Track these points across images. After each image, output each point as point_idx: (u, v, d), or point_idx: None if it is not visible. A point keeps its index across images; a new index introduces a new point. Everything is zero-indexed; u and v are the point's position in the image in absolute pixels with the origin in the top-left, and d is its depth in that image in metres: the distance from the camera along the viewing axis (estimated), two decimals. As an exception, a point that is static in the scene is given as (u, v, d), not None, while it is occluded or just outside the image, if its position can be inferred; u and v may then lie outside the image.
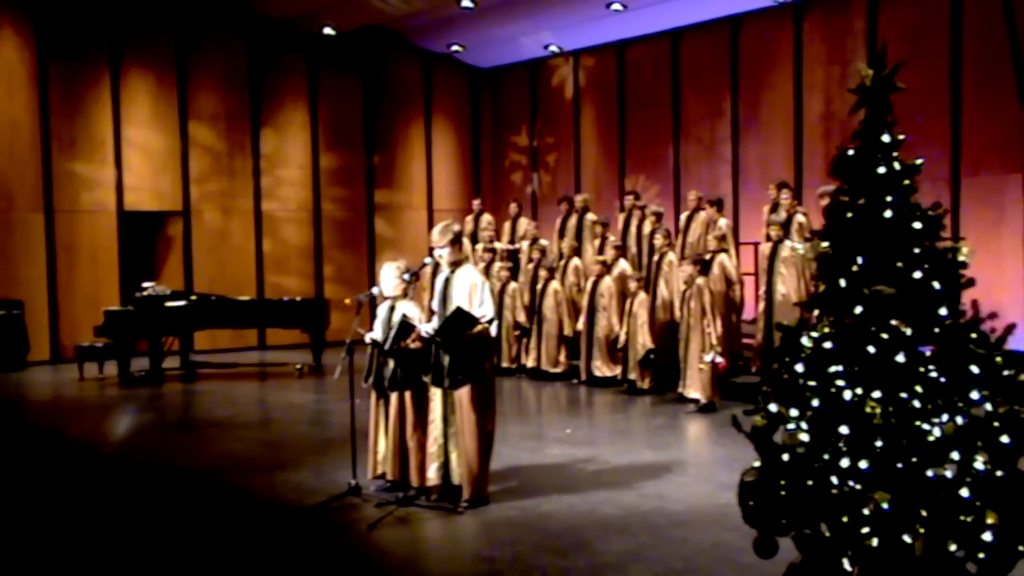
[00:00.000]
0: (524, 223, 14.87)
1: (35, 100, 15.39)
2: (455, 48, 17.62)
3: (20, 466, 8.65)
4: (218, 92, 16.79)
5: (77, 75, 15.70)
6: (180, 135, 16.47)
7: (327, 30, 16.82)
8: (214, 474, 8.18)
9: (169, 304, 13.47)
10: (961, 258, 4.52)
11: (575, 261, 13.32)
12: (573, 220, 14.12)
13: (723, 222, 12.27)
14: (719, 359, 10.54)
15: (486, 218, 15.15)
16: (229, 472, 8.22)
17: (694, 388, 10.73)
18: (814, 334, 4.58)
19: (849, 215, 4.55)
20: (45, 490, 7.79)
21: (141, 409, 11.69)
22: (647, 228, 12.96)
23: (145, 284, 13.87)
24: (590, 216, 14.02)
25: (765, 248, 11.40)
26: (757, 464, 4.53)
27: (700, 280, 10.75)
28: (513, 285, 13.40)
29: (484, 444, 7.02)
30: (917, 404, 4.27)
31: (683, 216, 13.18)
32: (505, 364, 13.42)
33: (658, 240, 12.14)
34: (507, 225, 15.10)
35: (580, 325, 12.52)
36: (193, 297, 14.04)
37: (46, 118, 15.45)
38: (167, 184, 16.45)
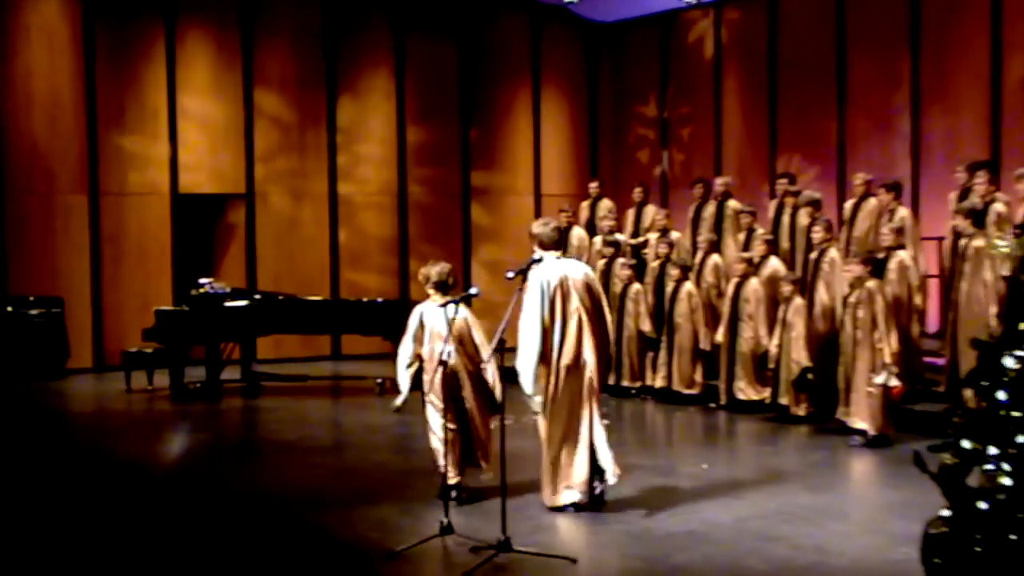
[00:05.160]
0: (651, 211, 14.79)
1: (79, 65, 15.93)
2: None
3: (62, 490, 8.95)
4: (288, 55, 17.14)
5: (127, 36, 16.20)
6: (244, 105, 16.86)
7: (417, -21, 17.05)
8: (281, 506, 8.35)
9: (229, 304, 13.76)
10: None
11: (714, 258, 13.20)
12: (711, 208, 13.99)
13: (902, 211, 12.03)
14: (893, 381, 10.34)
15: (605, 205, 15.10)
16: (298, 504, 8.37)
17: (860, 417, 10.54)
18: (1020, 353, 4.47)
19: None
20: (90, 518, 8.04)
21: (196, 427, 12.00)
22: (803, 219, 12.78)
23: (202, 280, 14.15)
24: (732, 204, 13.89)
25: (952, 244, 11.16)
26: (945, 513, 4.46)
27: (871, 283, 10.57)
28: (636, 287, 13.34)
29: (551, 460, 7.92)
30: None
31: (848, 204, 12.96)
32: (627, 383, 13.39)
33: (817, 233, 11.95)
34: (630, 213, 15.05)
35: (720, 336, 12.40)
36: (257, 296, 14.33)
37: (91, 86, 15.98)
38: (228, 162, 16.85)
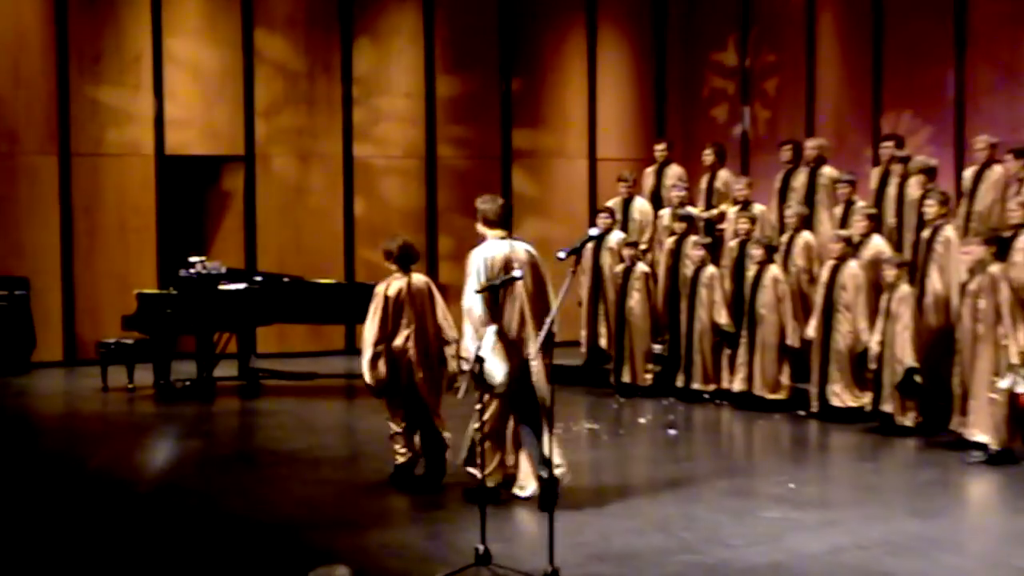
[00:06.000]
0: (727, 178, 14.75)
1: (48, 1, 16.02)
2: (633, -76, 17.61)
3: (24, 508, 9.00)
4: (296, -11, 17.22)
5: (105, -34, 16.33)
6: (242, 50, 16.93)
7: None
8: (285, 528, 8.38)
9: (224, 287, 13.86)
10: None
11: (804, 236, 13.15)
12: (802, 176, 13.93)
13: (1034, 181, 11.96)
14: (1021, 386, 10.26)
15: (674, 171, 15.04)
16: (306, 526, 8.41)
17: (980, 428, 10.47)
18: None
19: None
20: (57, 542, 8.08)
21: (185, 433, 12.08)
22: (913, 190, 12.71)
23: (192, 258, 14.26)
24: (827, 171, 13.81)
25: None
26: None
27: (994, 267, 10.49)
28: (711, 270, 13.32)
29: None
30: None
31: (968, 173, 12.88)
32: (698, 385, 13.37)
33: (930, 208, 11.89)
34: (703, 181, 15.01)
35: (812, 331, 12.37)
36: (257, 278, 14.40)
37: (63, 26, 16.08)
38: (223, 118, 16.94)
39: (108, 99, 16.34)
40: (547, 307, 8.57)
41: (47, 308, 15.96)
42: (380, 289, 9.34)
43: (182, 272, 14.01)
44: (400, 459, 9.39)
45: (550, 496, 8.00)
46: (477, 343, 8.20)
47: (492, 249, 8.66)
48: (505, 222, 8.86)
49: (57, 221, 16.12)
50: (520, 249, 8.76)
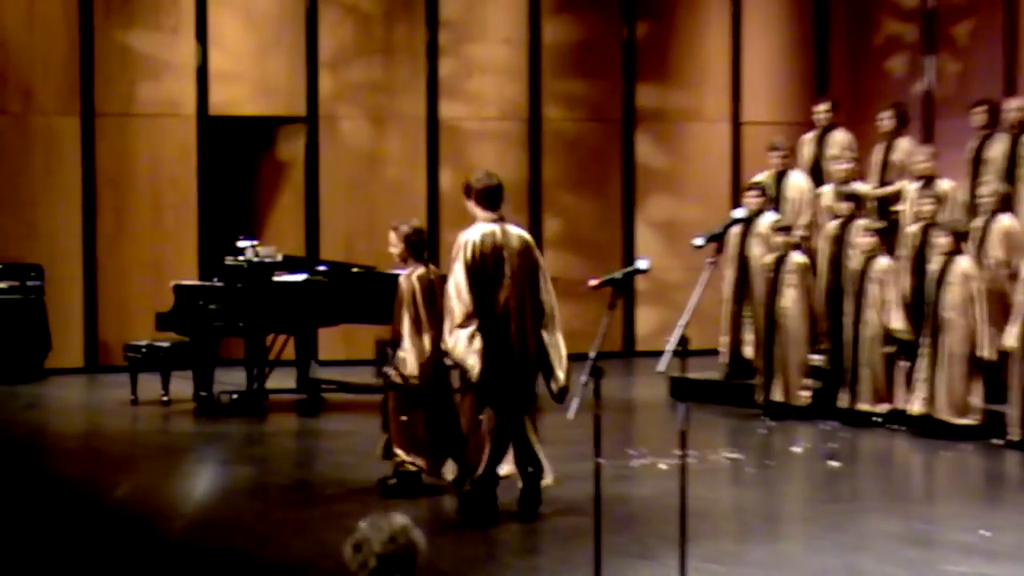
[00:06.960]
0: (907, 148, 14.60)
1: (69, -73, 16.29)
2: None
3: (37, 546, 9.10)
4: (370, -88, 17.31)
5: None
6: (305, -14, 17.08)
7: None
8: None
9: (280, 279, 13.96)
10: None
11: (1003, 221, 12.99)
12: (1001, 145, 13.76)
13: None
14: None
15: (839, 139, 14.92)
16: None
17: None
18: None
19: None
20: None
21: (231, 458, 12.17)
22: None
23: (242, 243, 14.32)
24: (1033, 139, 13.66)
25: None
26: None
27: None
28: (884, 262, 13.21)
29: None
30: None
31: None
32: (866, 406, 13.24)
33: None
34: (877, 151, 14.87)
35: (1012, 340, 12.20)
36: (320, 268, 14.49)
37: (87, -42, 16.33)
38: (281, 71, 17.06)
39: (141, 46, 16.51)
40: (539, 305, 9.32)
41: (65, 302, 16.18)
42: (412, 279, 9.96)
43: (229, 260, 14.11)
44: (411, 467, 10.20)
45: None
46: (453, 333, 9.08)
47: (479, 233, 9.16)
48: (495, 202, 9.38)
49: (78, 196, 16.33)
50: (513, 234, 9.34)
